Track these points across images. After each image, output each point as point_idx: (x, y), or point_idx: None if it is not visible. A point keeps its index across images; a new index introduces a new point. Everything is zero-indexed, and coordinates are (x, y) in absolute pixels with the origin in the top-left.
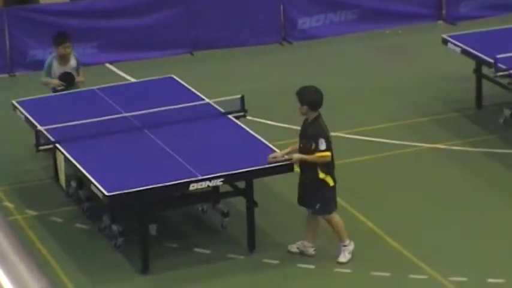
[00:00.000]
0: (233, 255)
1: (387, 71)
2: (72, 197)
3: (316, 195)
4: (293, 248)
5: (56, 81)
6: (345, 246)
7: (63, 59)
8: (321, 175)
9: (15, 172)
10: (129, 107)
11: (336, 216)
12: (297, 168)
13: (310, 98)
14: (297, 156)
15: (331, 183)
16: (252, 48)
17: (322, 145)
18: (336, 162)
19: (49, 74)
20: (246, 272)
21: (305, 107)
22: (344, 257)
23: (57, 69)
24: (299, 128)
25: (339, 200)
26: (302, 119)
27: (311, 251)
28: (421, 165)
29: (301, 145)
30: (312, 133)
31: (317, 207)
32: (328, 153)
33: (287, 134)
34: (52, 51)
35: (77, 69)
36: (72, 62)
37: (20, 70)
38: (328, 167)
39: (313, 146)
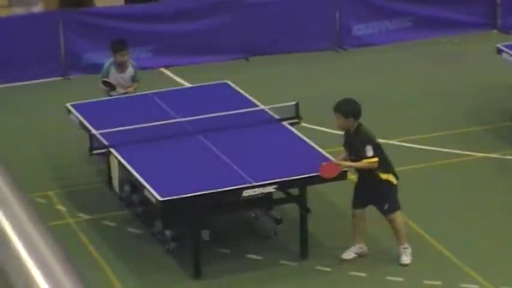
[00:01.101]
0: (285, 262)
1: (441, 79)
2: (125, 201)
3: (383, 196)
4: (349, 255)
5: (101, 85)
6: (405, 248)
7: (121, 66)
8: (383, 176)
9: (69, 176)
10: (183, 112)
11: (400, 216)
12: (351, 175)
13: (355, 109)
14: (344, 163)
15: (395, 181)
16: (307, 55)
17: (369, 152)
18: None
19: (106, 78)
20: (298, 279)
21: (351, 119)
22: (407, 258)
23: (114, 75)
24: None
25: None
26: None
27: (366, 249)
28: (473, 174)
29: (354, 156)
30: (359, 142)
31: (386, 207)
32: (375, 159)
33: (340, 140)
34: (108, 55)
35: (134, 77)
36: (130, 70)
37: (75, 73)
38: (385, 167)
39: (361, 153)
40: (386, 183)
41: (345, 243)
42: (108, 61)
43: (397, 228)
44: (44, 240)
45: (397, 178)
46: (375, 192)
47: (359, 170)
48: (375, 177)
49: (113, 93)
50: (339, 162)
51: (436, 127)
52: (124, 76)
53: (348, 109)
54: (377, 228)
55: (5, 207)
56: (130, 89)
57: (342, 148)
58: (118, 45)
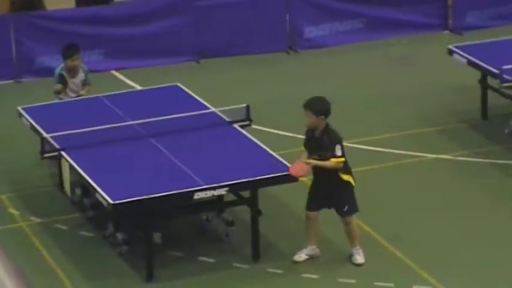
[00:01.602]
0: (238, 264)
1: (393, 80)
2: (77, 205)
3: (344, 197)
4: (301, 257)
5: (56, 87)
6: (357, 249)
7: (72, 71)
8: (345, 177)
9: (21, 179)
10: (134, 114)
11: (355, 219)
12: (302, 178)
13: (326, 107)
14: (312, 162)
15: (353, 182)
16: (258, 57)
17: (338, 151)
18: None
19: (61, 81)
20: (250, 281)
21: (322, 117)
22: (360, 258)
23: (67, 79)
24: (304, 136)
25: None
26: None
27: (317, 251)
28: (426, 176)
29: (318, 156)
30: (328, 141)
31: (345, 208)
32: (342, 159)
33: (292, 143)
34: (60, 59)
35: (85, 81)
36: (81, 75)
37: (27, 76)
38: (347, 168)
39: (329, 153)
40: (347, 185)
41: (296, 245)
42: (59, 66)
43: (353, 231)
44: None
45: (354, 181)
46: (335, 193)
47: (318, 171)
48: (337, 177)
49: (64, 97)
50: (307, 161)
51: (388, 128)
52: (75, 81)
53: (319, 107)
54: (329, 230)
55: None
56: (82, 92)
57: (294, 150)
58: (69, 51)
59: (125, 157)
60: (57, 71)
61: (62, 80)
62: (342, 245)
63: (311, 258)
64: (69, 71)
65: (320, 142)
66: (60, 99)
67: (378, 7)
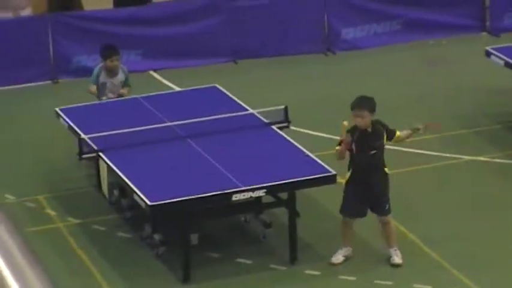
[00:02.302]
0: (275, 266)
1: (430, 82)
2: (114, 206)
3: (386, 194)
4: (338, 259)
5: (90, 89)
6: (396, 250)
7: (111, 71)
8: (386, 169)
9: (58, 180)
10: (172, 116)
11: (392, 219)
12: (340, 179)
13: (374, 103)
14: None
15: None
16: (296, 58)
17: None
18: None
19: (96, 83)
20: (287, 283)
21: (374, 113)
22: (399, 259)
23: (104, 80)
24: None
25: None
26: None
27: (351, 251)
28: (462, 178)
29: (376, 149)
30: (382, 127)
31: (387, 207)
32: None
33: (330, 144)
34: (97, 58)
35: (125, 82)
36: (120, 76)
37: (64, 77)
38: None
39: (391, 134)
40: (387, 179)
41: (334, 247)
42: (98, 66)
43: (391, 230)
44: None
45: None
46: (379, 189)
47: (364, 166)
48: (383, 170)
49: (103, 97)
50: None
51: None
52: (114, 81)
53: (372, 104)
54: (364, 231)
55: None
56: (123, 91)
57: (332, 151)
58: (108, 51)
59: (163, 158)
60: (96, 71)
61: (97, 81)
62: (379, 246)
63: (347, 259)
64: (108, 71)
65: (377, 134)
66: (100, 99)
67: (415, 8)
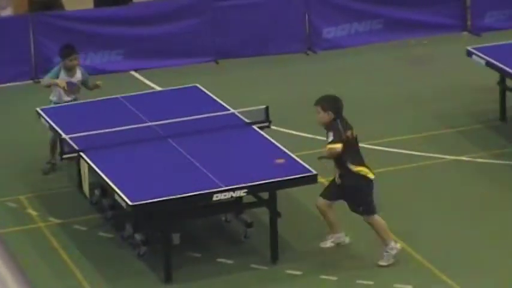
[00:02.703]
0: (256, 266)
1: (411, 81)
2: (95, 206)
3: (352, 194)
4: (326, 244)
5: (60, 81)
6: (387, 252)
7: (70, 70)
8: (355, 168)
9: (39, 180)
10: (153, 115)
11: (378, 218)
12: (321, 179)
13: (333, 103)
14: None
15: (370, 174)
16: (277, 57)
17: (330, 137)
18: None
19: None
20: (269, 283)
21: (329, 112)
22: (384, 261)
23: (62, 78)
24: (323, 138)
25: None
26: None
27: (344, 238)
28: (445, 177)
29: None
30: (327, 130)
31: (360, 209)
32: (335, 145)
33: (311, 144)
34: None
35: (85, 81)
36: (78, 75)
37: (45, 77)
38: (357, 159)
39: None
40: (358, 178)
41: (316, 246)
42: (58, 65)
43: (376, 231)
44: None
45: (373, 174)
46: (346, 187)
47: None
48: (346, 168)
49: (55, 97)
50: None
51: (406, 130)
52: (72, 80)
53: (326, 102)
54: (349, 231)
55: None
56: (99, 82)
57: (313, 151)
58: (67, 50)
59: (144, 158)
60: (55, 70)
61: (54, 77)
62: (361, 246)
63: (337, 244)
64: (67, 71)
65: (327, 133)
66: (53, 101)
67: (396, 8)
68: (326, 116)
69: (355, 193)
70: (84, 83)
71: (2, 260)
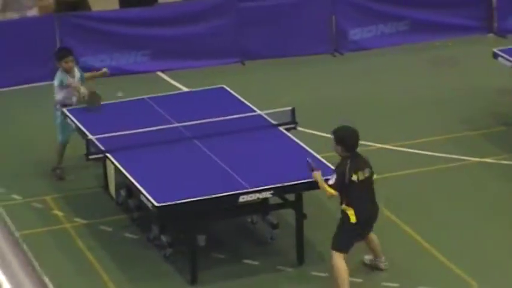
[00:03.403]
0: (282, 267)
1: (437, 83)
2: (121, 206)
3: (338, 227)
4: (365, 259)
5: (78, 84)
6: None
7: (69, 72)
8: (345, 208)
9: (65, 180)
10: (180, 117)
11: (341, 262)
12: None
13: (345, 138)
14: (317, 174)
15: (352, 219)
16: (303, 59)
17: (331, 180)
18: (384, 175)
19: (62, 85)
20: (294, 284)
21: (339, 147)
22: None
23: (70, 82)
24: None
25: (386, 212)
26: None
27: (382, 265)
28: (469, 179)
29: None
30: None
31: (332, 240)
32: (330, 190)
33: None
34: (105, 59)
35: (82, 78)
36: (77, 74)
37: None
38: (354, 202)
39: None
40: (344, 217)
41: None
42: (58, 72)
43: (333, 274)
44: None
45: (357, 219)
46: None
47: None
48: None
49: (74, 100)
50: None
51: (431, 131)
52: (74, 80)
53: (339, 136)
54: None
55: None
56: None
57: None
58: (62, 52)
59: (170, 159)
60: (59, 76)
61: (64, 85)
62: (385, 248)
63: (371, 266)
64: (66, 73)
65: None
66: (66, 104)
67: (422, 9)
68: (338, 149)
69: (338, 226)
70: (82, 80)
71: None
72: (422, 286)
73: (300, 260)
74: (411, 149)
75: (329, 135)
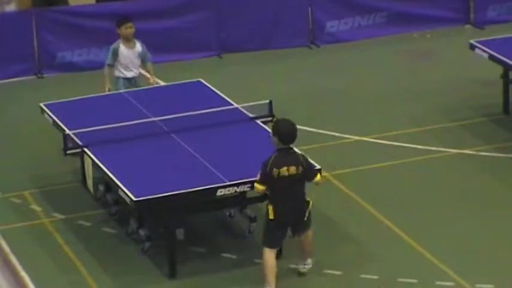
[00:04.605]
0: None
1: (414, 74)
2: (99, 201)
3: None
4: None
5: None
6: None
7: (128, 40)
8: (267, 204)
9: (43, 175)
10: (157, 110)
11: (267, 257)
12: (324, 173)
13: (279, 129)
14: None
15: (271, 215)
16: (280, 52)
17: (258, 175)
18: (363, 167)
19: (115, 58)
20: None
21: (274, 138)
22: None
23: (125, 51)
24: (326, 132)
25: (364, 205)
26: (329, 123)
27: (301, 268)
28: (448, 171)
29: None
30: None
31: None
32: (257, 185)
33: (314, 138)
34: (82, 54)
35: (143, 58)
36: (138, 48)
37: (49, 72)
38: (270, 198)
39: None
40: (266, 211)
41: (317, 241)
42: (114, 44)
43: (263, 265)
44: None
45: (275, 216)
46: None
47: None
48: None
49: (128, 73)
50: None
51: (409, 123)
52: (134, 52)
53: (274, 126)
54: (352, 227)
55: None
56: (150, 81)
57: (316, 145)
58: (121, 19)
59: (148, 153)
60: (112, 48)
61: (114, 56)
62: (363, 241)
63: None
64: (125, 41)
65: None
66: (126, 77)
67: (399, 1)
68: (274, 140)
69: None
70: (142, 59)
71: None
72: (401, 278)
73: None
74: (390, 141)
75: (306, 128)
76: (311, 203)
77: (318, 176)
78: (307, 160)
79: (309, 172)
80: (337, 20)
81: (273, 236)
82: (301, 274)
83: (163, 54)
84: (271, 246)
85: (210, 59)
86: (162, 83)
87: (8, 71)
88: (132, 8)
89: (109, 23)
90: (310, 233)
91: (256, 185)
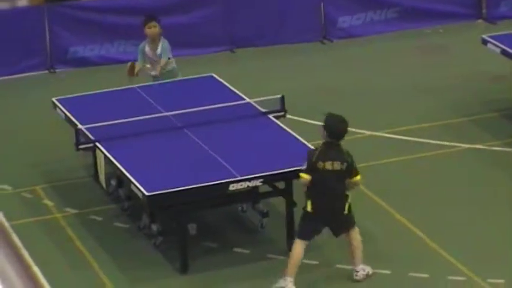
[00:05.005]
0: (272, 256)
1: (427, 70)
2: (112, 196)
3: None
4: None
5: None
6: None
7: (153, 41)
8: (306, 199)
9: (55, 170)
10: (169, 105)
11: (296, 248)
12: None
13: (330, 125)
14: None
15: (308, 207)
16: (292, 46)
17: (304, 165)
18: (374, 162)
19: (143, 57)
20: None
21: (325, 132)
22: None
23: (148, 52)
24: None
25: (376, 199)
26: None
27: (355, 275)
28: (460, 166)
29: None
30: None
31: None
32: (302, 175)
33: None
34: (94, 49)
35: (161, 55)
36: (158, 49)
37: (61, 67)
38: (309, 193)
39: None
40: (305, 207)
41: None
42: (143, 42)
43: (291, 254)
44: None
45: (313, 209)
46: None
47: None
48: None
49: (152, 72)
50: None
51: (422, 118)
52: (155, 54)
53: (325, 120)
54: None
55: None
56: (157, 71)
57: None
58: (145, 18)
59: (160, 148)
60: (140, 46)
61: (142, 55)
62: (375, 235)
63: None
64: (150, 41)
65: None
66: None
67: None
68: (324, 134)
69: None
70: (160, 55)
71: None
72: (413, 273)
73: (290, 248)
74: (401, 135)
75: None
76: (350, 199)
77: (359, 176)
78: (351, 158)
79: (352, 170)
80: (350, 15)
81: (307, 228)
82: (354, 281)
83: (175, 49)
84: (303, 238)
85: (222, 53)
86: (154, 73)
87: (20, 66)
88: (144, 3)
89: (121, 17)
90: (354, 234)
91: (302, 174)
